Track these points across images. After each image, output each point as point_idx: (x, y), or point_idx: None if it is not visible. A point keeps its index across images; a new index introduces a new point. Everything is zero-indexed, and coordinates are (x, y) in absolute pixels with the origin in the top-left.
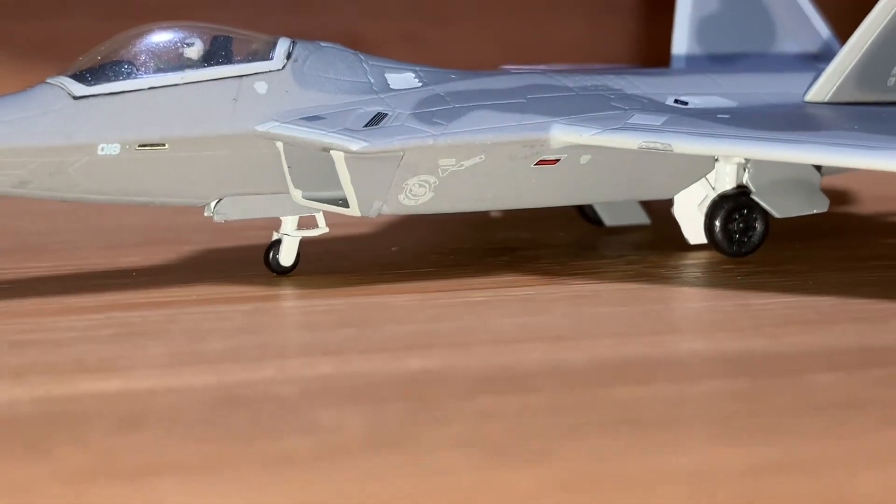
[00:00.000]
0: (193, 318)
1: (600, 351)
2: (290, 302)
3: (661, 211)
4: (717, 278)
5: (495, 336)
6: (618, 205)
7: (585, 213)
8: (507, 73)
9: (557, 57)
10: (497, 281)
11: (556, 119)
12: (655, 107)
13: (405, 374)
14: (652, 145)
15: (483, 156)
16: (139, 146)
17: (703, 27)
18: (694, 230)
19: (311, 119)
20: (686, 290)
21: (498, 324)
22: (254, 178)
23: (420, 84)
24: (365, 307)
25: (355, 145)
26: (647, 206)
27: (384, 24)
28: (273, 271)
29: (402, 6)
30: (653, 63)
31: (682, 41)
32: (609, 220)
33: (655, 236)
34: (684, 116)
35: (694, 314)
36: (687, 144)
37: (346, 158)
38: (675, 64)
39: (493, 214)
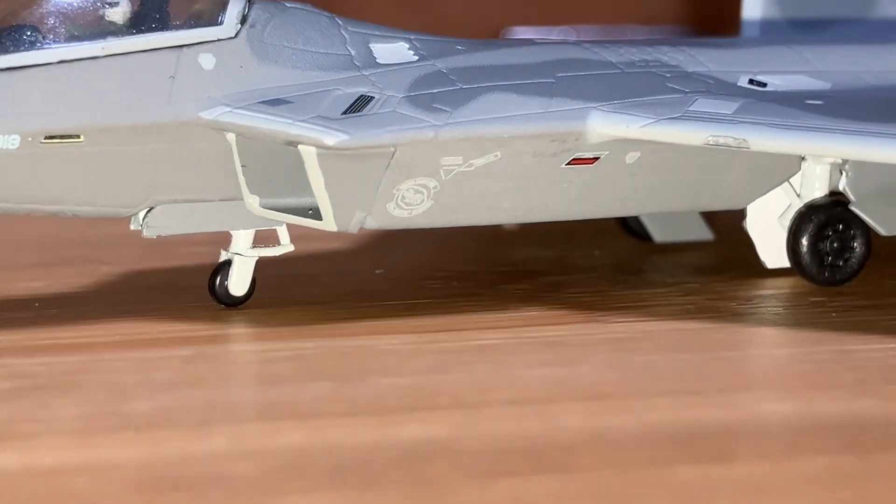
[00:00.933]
0: (115, 366)
1: (657, 415)
2: (243, 345)
3: (728, 224)
4: (804, 315)
5: (518, 394)
6: (672, 215)
7: (629, 226)
8: (531, 43)
9: (577, 16)
10: (515, 317)
11: (596, 105)
12: (725, 89)
13: (401, 446)
14: (722, 141)
15: (499, 153)
16: (46, 138)
17: None
18: (773, 250)
19: (274, 103)
20: (765, 331)
21: (521, 377)
22: (196, 181)
23: (416, 58)
24: (343, 353)
25: (331, 138)
26: (709, 218)
27: None
28: (221, 303)
29: None
30: (708, 29)
31: (755, 1)
32: (660, 234)
33: (721, 258)
34: (762, 103)
35: (777, 365)
36: (767, 139)
37: (318, 156)
38: (746, 32)
39: (506, 228)
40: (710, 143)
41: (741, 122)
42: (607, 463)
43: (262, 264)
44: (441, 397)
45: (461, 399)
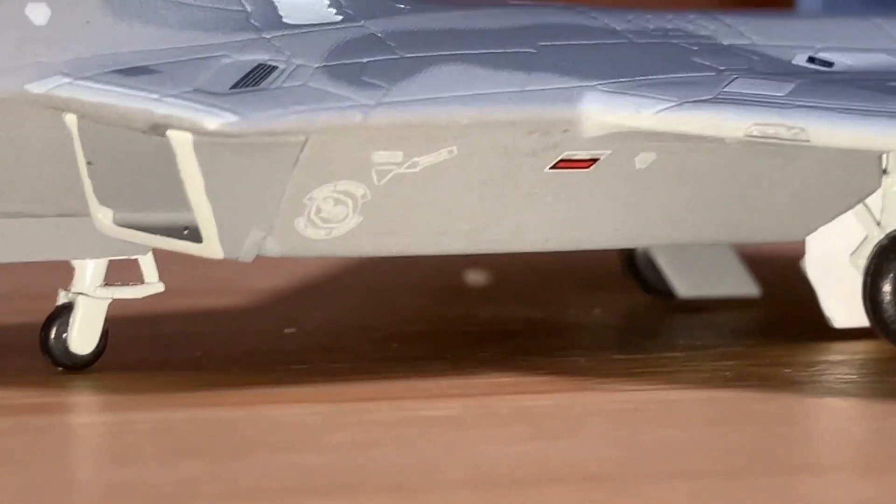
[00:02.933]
0: None
1: (676, 502)
2: (83, 415)
3: (779, 268)
4: (889, 385)
5: (477, 475)
6: (701, 259)
7: (641, 274)
8: (503, 3)
9: None
10: (479, 384)
11: (594, 83)
12: (774, 67)
13: None
14: (771, 131)
15: (455, 148)
16: None
17: None
18: (843, 302)
19: (133, 73)
20: (833, 402)
21: (482, 454)
22: (20, 185)
23: (340, 17)
24: (226, 425)
25: (214, 120)
26: (754, 266)
27: None
28: (57, 364)
29: None
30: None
31: None
32: (684, 287)
33: (770, 319)
34: (827, 84)
35: (853, 441)
36: (835, 129)
37: (195, 146)
38: (805, 4)
39: (470, 281)
40: (755, 134)
41: (797, 105)
42: None
43: (118, 315)
44: (365, 478)
45: (394, 482)
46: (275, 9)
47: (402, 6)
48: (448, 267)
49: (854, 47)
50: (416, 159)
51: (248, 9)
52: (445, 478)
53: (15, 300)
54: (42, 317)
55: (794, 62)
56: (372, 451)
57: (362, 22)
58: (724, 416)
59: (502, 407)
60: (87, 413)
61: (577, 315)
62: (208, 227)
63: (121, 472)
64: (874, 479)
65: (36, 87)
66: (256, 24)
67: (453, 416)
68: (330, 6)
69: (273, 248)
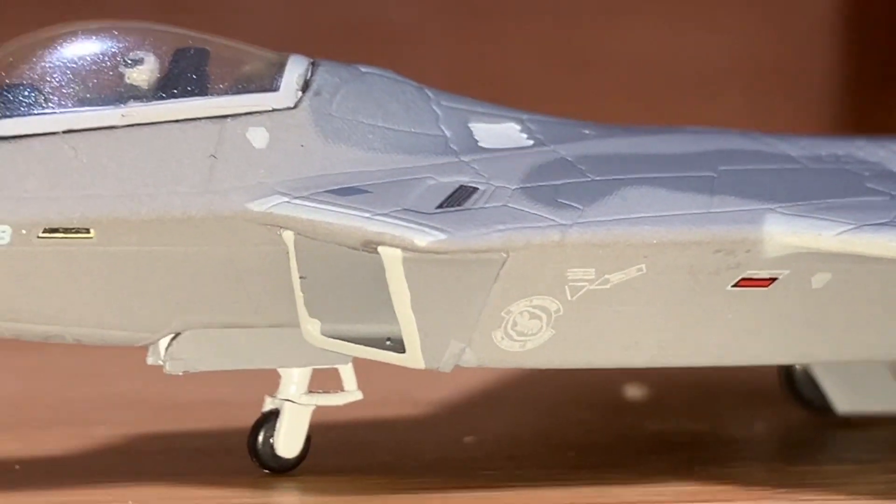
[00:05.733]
0: None
1: None
2: None
3: None
4: None
5: None
6: (859, 375)
7: (799, 390)
8: (682, 129)
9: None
10: (666, 493)
11: (773, 205)
12: None
13: None
14: None
15: (644, 266)
16: (44, 232)
17: None
18: None
19: (345, 193)
20: None
21: None
22: (240, 297)
23: (531, 142)
24: None
25: (424, 238)
26: None
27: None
28: (264, 467)
29: None
30: None
31: None
32: (843, 403)
33: None
34: None
35: None
36: None
37: (405, 262)
38: None
39: (629, 396)
40: None
41: None
42: None
43: (320, 420)
44: None
45: None
46: (471, 134)
47: (588, 132)
48: (601, 380)
49: None
50: (607, 276)
51: (447, 134)
52: None
53: (226, 406)
54: (231, 412)
55: None
56: None
57: (552, 146)
58: None
59: None
60: None
61: (740, 427)
62: (412, 339)
63: None
64: None
65: (256, 206)
66: (455, 147)
67: None
68: (521, 131)
69: (470, 359)
